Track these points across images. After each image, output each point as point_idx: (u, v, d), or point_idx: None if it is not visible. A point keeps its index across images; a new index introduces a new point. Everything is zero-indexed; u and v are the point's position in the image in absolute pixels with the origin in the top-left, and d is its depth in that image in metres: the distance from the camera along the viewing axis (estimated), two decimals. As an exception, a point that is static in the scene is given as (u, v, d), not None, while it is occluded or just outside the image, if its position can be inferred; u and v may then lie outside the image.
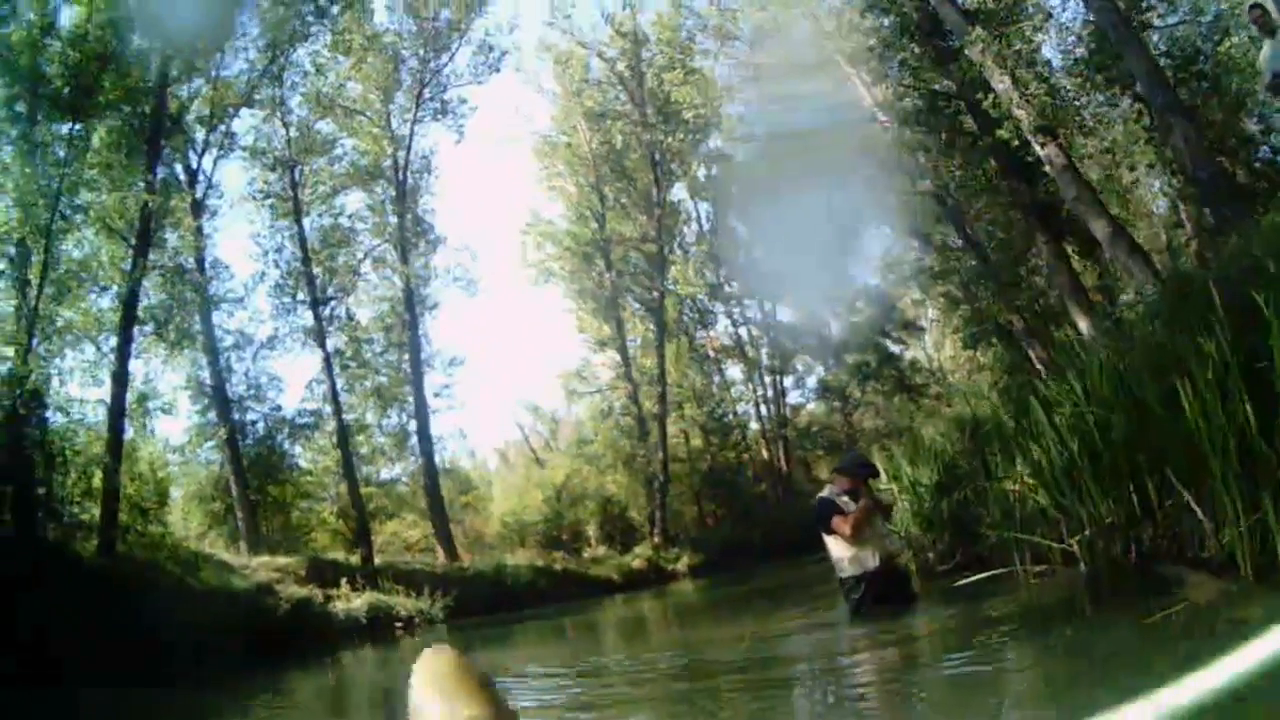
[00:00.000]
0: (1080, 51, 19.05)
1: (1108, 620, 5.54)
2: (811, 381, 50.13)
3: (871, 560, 8.02)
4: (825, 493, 8.53)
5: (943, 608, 8.12)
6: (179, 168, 28.12)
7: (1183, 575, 5.19)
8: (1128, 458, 6.02)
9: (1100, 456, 6.35)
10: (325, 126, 35.18)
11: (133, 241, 21.81)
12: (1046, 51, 19.50)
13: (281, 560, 24.11)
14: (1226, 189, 12.93)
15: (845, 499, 8.22)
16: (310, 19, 29.34)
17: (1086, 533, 6.52)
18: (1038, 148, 15.99)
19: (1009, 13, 17.18)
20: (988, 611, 7.08)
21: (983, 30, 16.20)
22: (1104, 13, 13.85)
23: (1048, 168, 16.31)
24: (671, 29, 39.78)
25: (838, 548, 8.15)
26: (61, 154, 20.60)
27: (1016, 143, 17.05)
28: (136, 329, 22.26)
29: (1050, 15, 19.17)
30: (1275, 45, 10.48)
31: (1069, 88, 18.17)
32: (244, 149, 31.66)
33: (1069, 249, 20.40)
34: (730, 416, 47.41)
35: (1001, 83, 16.13)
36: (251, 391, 31.56)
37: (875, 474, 9.24)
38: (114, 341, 21.54)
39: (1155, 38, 18.89)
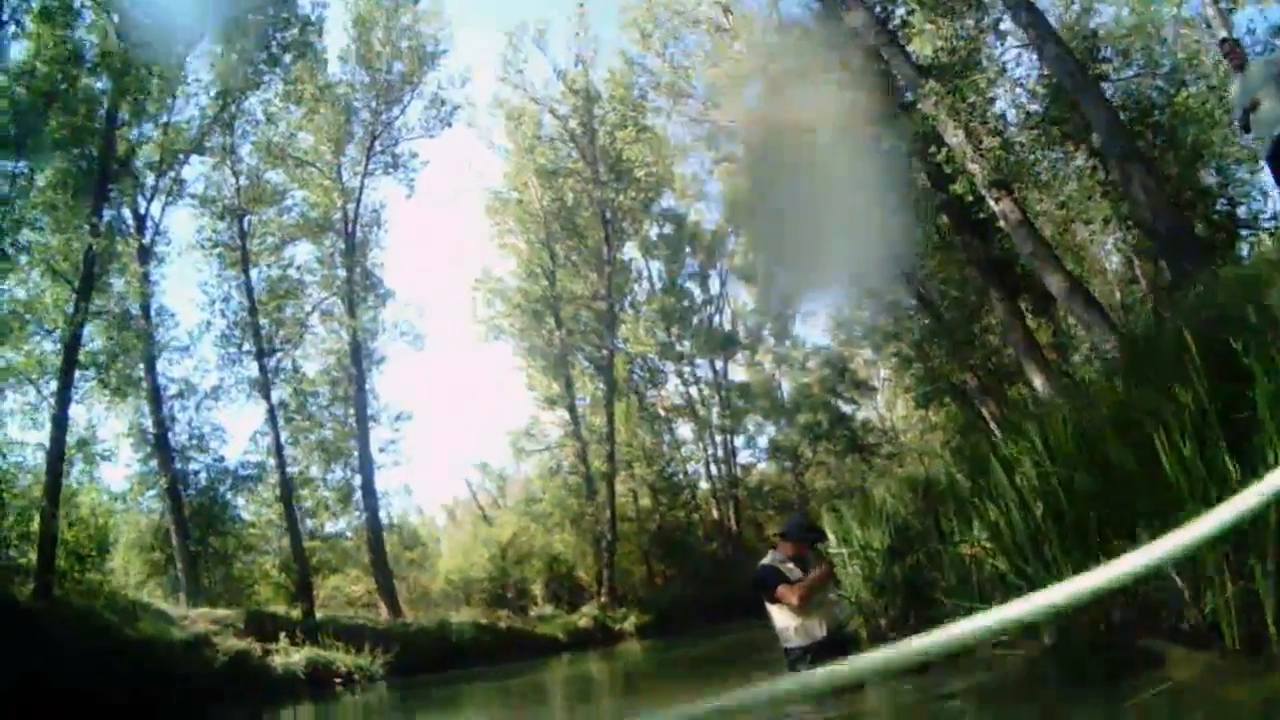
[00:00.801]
0: (1035, 106, 19.01)
1: (1079, 700, 5.05)
2: (763, 441, 50.08)
3: (819, 630, 7.48)
4: (768, 559, 7.95)
5: (896, 680, 7.62)
6: (127, 212, 27.78)
7: (1160, 649, 4.72)
8: (1095, 518, 5.58)
9: (1064, 517, 5.89)
10: (275, 176, 34.89)
11: (76, 285, 21.34)
12: (1000, 105, 19.46)
13: (220, 612, 23.64)
14: (1186, 241, 12.68)
15: (790, 565, 7.69)
16: (263, 67, 29.15)
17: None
18: (992, 203, 15.75)
19: (963, 65, 17.01)
20: (946, 687, 6.58)
21: (936, 83, 15.99)
22: (1061, 60, 13.63)
23: (1002, 223, 16.05)
24: (624, 86, 39.61)
25: (783, 617, 7.60)
26: (5, 190, 20.16)
27: (970, 198, 16.85)
28: (78, 373, 21.83)
29: (1004, 70, 19.08)
30: (1247, 80, 10.28)
31: (1024, 141, 18.02)
32: (193, 196, 31.30)
33: (1023, 306, 20.22)
34: (680, 476, 47.16)
35: (955, 137, 15.92)
36: (194, 441, 31.01)
37: (822, 538, 8.80)
38: (55, 385, 21.20)
39: (1110, 90, 18.82)
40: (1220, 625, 4.40)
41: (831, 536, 11.90)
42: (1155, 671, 4.48)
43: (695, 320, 48.69)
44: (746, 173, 32.37)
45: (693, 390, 49.30)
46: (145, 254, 27.68)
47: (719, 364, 49.06)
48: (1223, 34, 17.35)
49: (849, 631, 8.73)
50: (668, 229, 48.01)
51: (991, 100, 18.38)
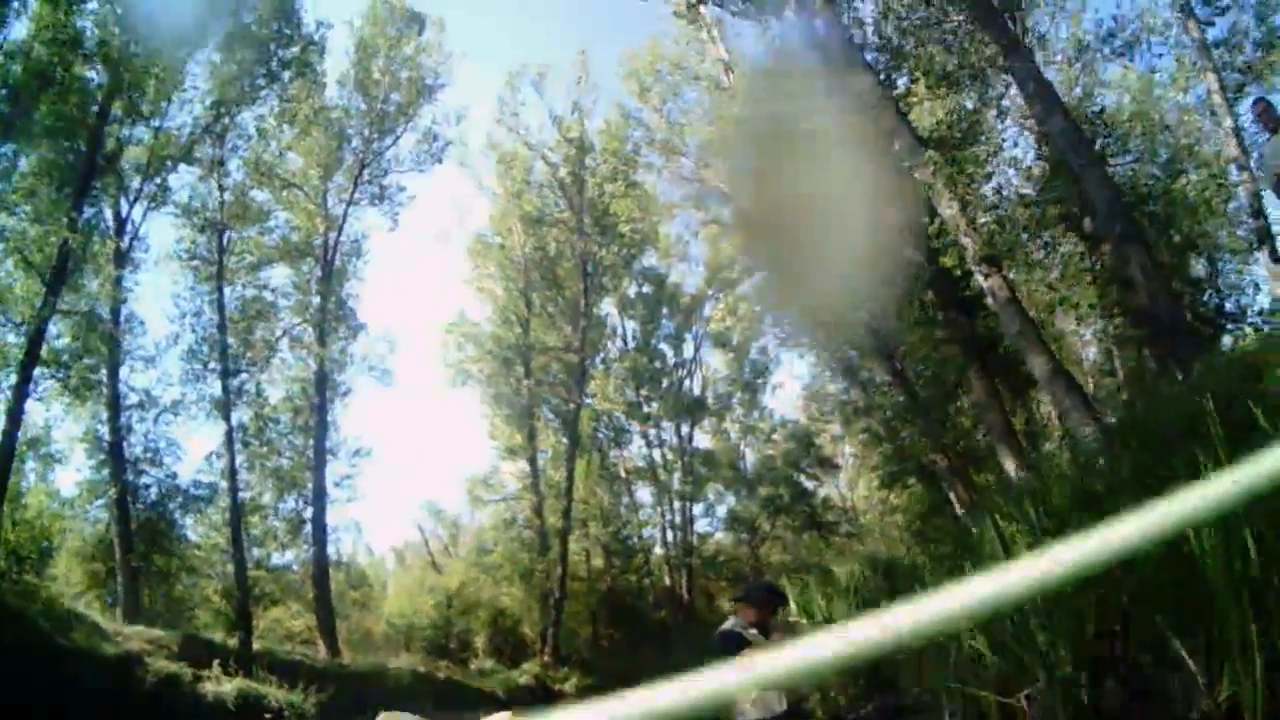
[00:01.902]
0: (1028, 190, 18.87)
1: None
2: (721, 510, 49.39)
3: (778, 704, 6.81)
4: (729, 624, 7.35)
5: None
6: (108, 213, 27.49)
7: None
8: (1096, 595, 5.07)
9: (1055, 594, 5.37)
10: (261, 195, 34.44)
11: (47, 278, 20.89)
12: (997, 182, 19.31)
13: (155, 632, 23.07)
14: (1182, 327, 12.36)
15: (753, 632, 7.06)
16: (261, 82, 28.87)
17: (1039, 684, 5.46)
18: (981, 279, 15.42)
19: (963, 138, 16.79)
20: None
21: (935, 153, 15.74)
22: (1066, 134, 13.31)
23: (990, 300, 15.72)
24: (618, 139, 39.55)
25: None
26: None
27: (959, 273, 16.57)
28: (39, 370, 21.27)
29: (1001, 147, 18.92)
30: (1277, 143, 9.97)
31: (1019, 217, 17.78)
32: (176, 205, 30.77)
33: (999, 388, 19.92)
34: (635, 539, 46.44)
35: (949, 209, 15.63)
36: (149, 454, 30.15)
37: (784, 602, 8.20)
38: (14, 379, 20.76)
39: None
40: (1242, 712, 3.89)
41: (793, 606, 11.41)
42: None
43: (665, 382, 48.29)
44: (736, 234, 32.19)
45: (656, 453, 48.74)
46: (121, 257, 27.17)
47: (685, 429, 48.54)
48: (1228, 122, 17.32)
49: (806, 708, 8.13)
50: (647, 288, 47.72)
51: (989, 175, 18.20)
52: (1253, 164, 19.46)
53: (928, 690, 7.08)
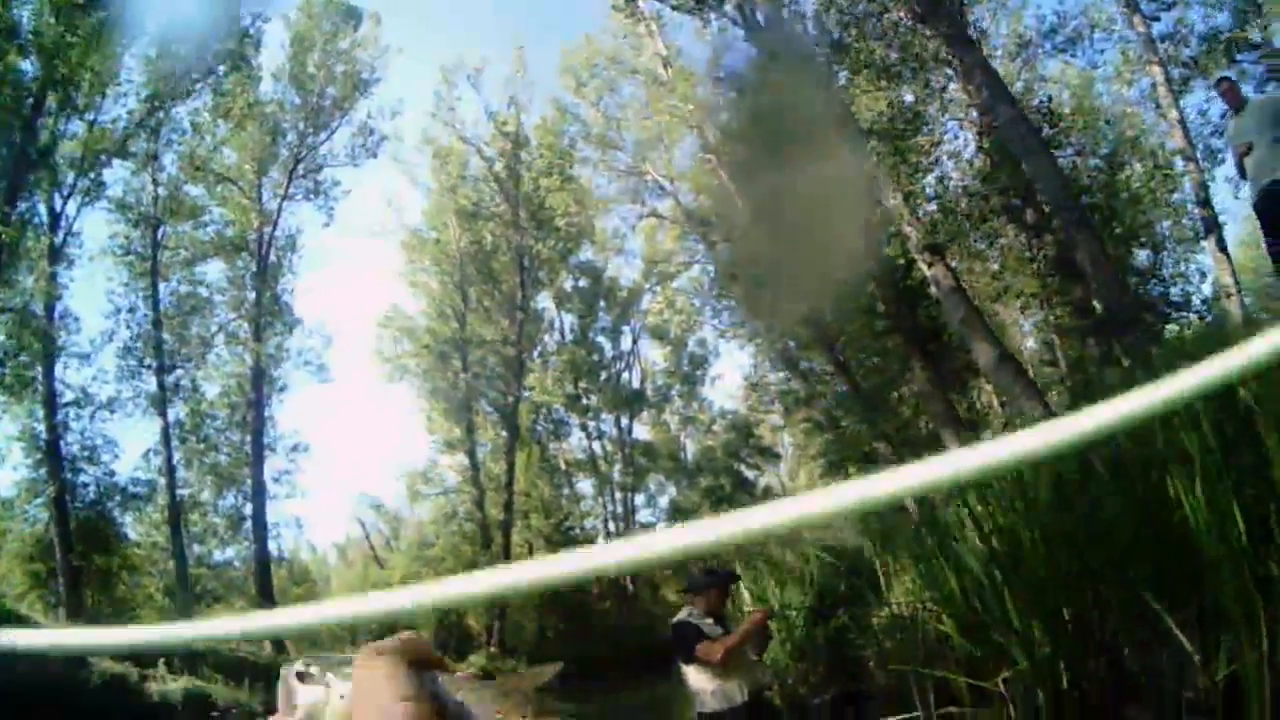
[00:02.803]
0: (971, 181, 19.06)
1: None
2: (663, 502, 49.49)
3: (739, 694, 6.61)
4: (684, 614, 7.10)
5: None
6: (42, 208, 26.94)
7: None
8: (1077, 569, 5.07)
9: (1031, 569, 5.35)
10: (195, 190, 34.09)
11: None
12: (939, 172, 19.51)
13: (96, 632, 22.33)
14: (1129, 313, 12.55)
15: (709, 622, 6.87)
16: (195, 76, 28.44)
17: (1020, 665, 5.35)
18: (924, 267, 15.58)
19: (907, 128, 16.94)
20: None
21: (878, 143, 15.88)
22: (1014, 123, 13.42)
23: (933, 289, 15.87)
24: (554, 134, 39.46)
25: (699, 678, 6.75)
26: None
27: (901, 262, 16.72)
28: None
29: (943, 139, 19.11)
30: (1242, 121, 10.10)
31: (962, 207, 17.98)
32: (110, 200, 30.51)
33: (943, 377, 20.14)
34: (578, 531, 46.30)
35: (893, 198, 15.78)
36: (86, 452, 29.83)
37: (733, 579, 7.96)
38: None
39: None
40: (1246, 693, 3.88)
41: (747, 595, 11.40)
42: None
43: (604, 375, 48.20)
44: (675, 227, 32.18)
45: (596, 445, 48.72)
46: (56, 253, 26.79)
47: (624, 420, 48.54)
48: (1173, 114, 17.64)
49: (768, 696, 8.05)
50: (584, 282, 47.63)
51: (933, 164, 18.38)
52: (1199, 154, 19.89)
53: (894, 675, 7.08)
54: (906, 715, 6.62)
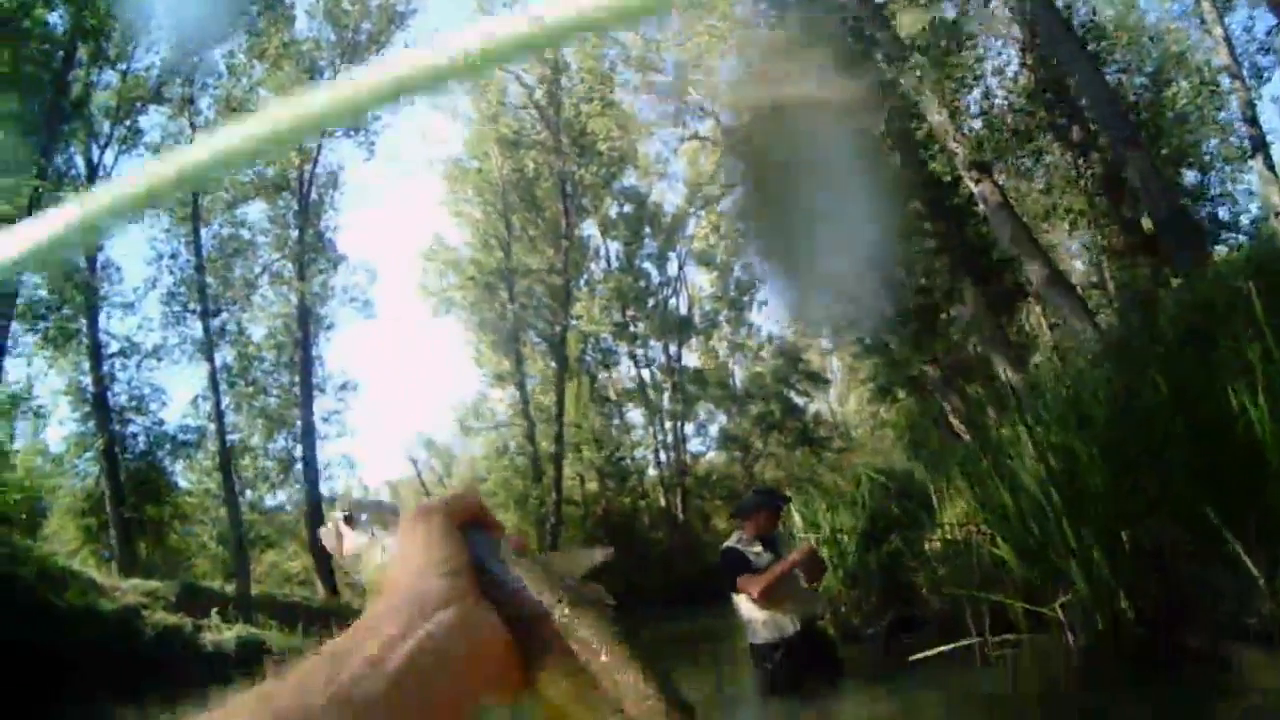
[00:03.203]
0: (1013, 95, 18.60)
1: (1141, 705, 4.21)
2: (713, 430, 49.41)
3: (790, 625, 6.52)
4: (732, 540, 6.93)
5: (880, 685, 6.74)
6: (79, 159, 27.03)
7: (1223, 650, 3.95)
8: (1135, 488, 4.80)
9: (1089, 489, 5.08)
10: (233, 132, 33.59)
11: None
12: (984, 86, 19.03)
13: (152, 584, 22.75)
14: (1186, 225, 12.15)
15: (758, 549, 6.71)
16: (228, 20, 28.18)
17: (1079, 589, 5.11)
18: (971, 184, 15.18)
19: (952, 41, 16.45)
20: (955, 690, 5.74)
21: (922, 57, 15.41)
22: (1059, 37, 12.97)
23: (980, 206, 15.47)
24: (593, 58, 38.99)
25: (749, 608, 6.64)
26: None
27: (949, 178, 16.32)
28: (15, 324, 20.94)
29: (984, 56, 18.58)
30: None
31: (1009, 122, 17.51)
32: (148, 147, 29.97)
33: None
34: (629, 461, 46.38)
35: (938, 115, 15.34)
36: (134, 403, 30.04)
37: (778, 503, 7.33)
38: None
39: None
40: None
41: (798, 519, 11.17)
42: (1226, 678, 3.75)
43: (651, 302, 47.98)
44: (716, 149, 31.80)
45: (645, 374, 48.56)
46: None
47: (673, 348, 48.32)
48: (1218, 30, 17.09)
49: (820, 626, 7.77)
50: (628, 208, 47.21)
51: (977, 78, 17.89)
52: (1244, 71, 19.32)
53: (948, 601, 6.86)
54: (962, 642, 6.41)
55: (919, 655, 6.23)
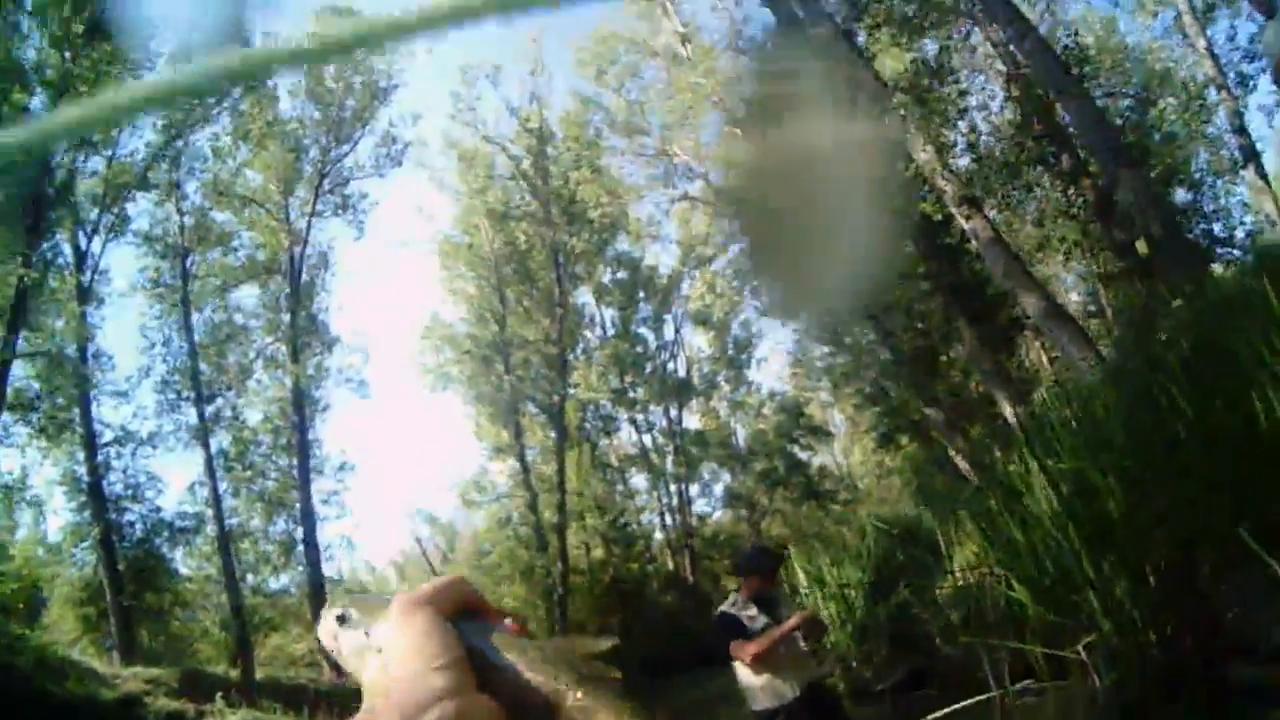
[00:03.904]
0: (1000, 129, 18.53)
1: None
2: (718, 489, 49.03)
3: (790, 691, 6.14)
4: (727, 604, 6.62)
5: None
6: (66, 247, 27.00)
7: (1274, 679, 3.55)
8: (1159, 513, 4.40)
9: (1106, 524, 4.69)
10: (221, 216, 34.11)
11: (6, 318, 20.51)
12: (969, 121, 18.95)
13: (154, 671, 22.36)
14: (1181, 245, 11.88)
15: (753, 611, 6.39)
16: (211, 102, 28.32)
17: (1103, 629, 4.65)
18: (962, 221, 14.94)
19: (932, 79, 16.32)
20: None
21: (905, 95, 15.26)
22: (1041, 56, 12.75)
23: (973, 241, 15.24)
24: (579, 125, 39.09)
25: (746, 674, 6.23)
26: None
27: (939, 218, 16.12)
28: (6, 415, 20.79)
29: (968, 91, 18.47)
30: (1277, 26, 9.45)
31: (997, 153, 17.38)
32: (136, 233, 30.56)
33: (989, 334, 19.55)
34: (634, 526, 45.98)
35: (924, 152, 15.14)
36: (130, 491, 29.67)
37: (773, 562, 6.87)
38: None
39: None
40: None
41: (802, 576, 10.81)
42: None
43: (649, 366, 47.80)
44: (708, 207, 31.75)
45: (646, 438, 48.31)
46: (84, 292, 26.83)
47: (673, 411, 48.06)
48: (1201, 43, 16.99)
49: (829, 684, 7.36)
50: (622, 273, 47.21)
51: (962, 113, 17.77)
52: (1230, 81, 19.27)
53: (963, 650, 6.47)
54: (983, 695, 6.02)
55: (934, 717, 5.85)
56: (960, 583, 7.17)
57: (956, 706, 5.84)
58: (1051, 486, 5.22)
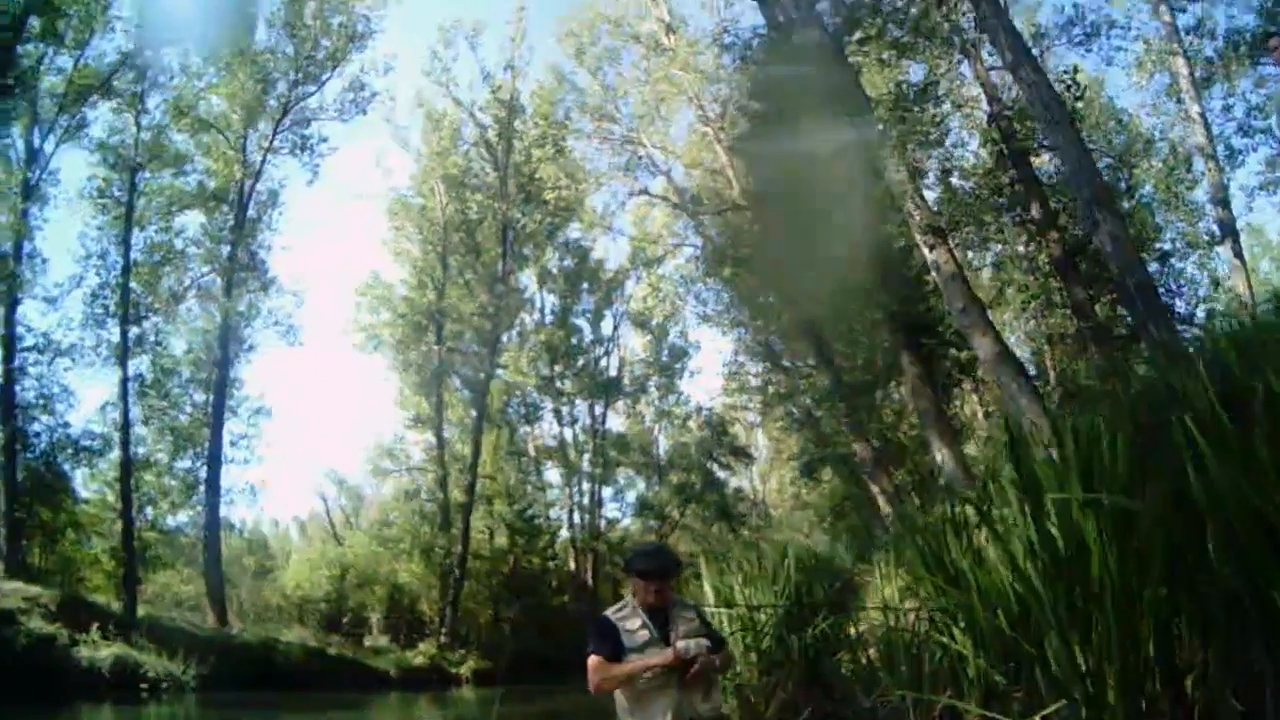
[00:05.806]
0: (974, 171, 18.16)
1: None
2: (631, 496, 48.69)
3: None
4: (615, 608, 5.27)
5: None
6: (20, 141, 26.89)
7: None
8: (1133, 576, 3.70)
9: (1079, 564, 3.95)
10: (179, 137, 33.16)
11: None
12: (947, 147, 18.57)
13: (34, 590, 22.10)
14: (1154, 299, 11.36)
15: (638, 623, 5.05)
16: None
17: (1072, 698, 3.91)
18: (925, 251, 14.33)
19: (917, 97, 15.76)
20: None
21: (885, 111, 14.67)
22: (1036, 86, 12.12)
23: (933, 273, 14.63)
24: (550, 102, 38.34)
25: (619, 699, 4.99)
26: None
27: (901, 243, 15.59)
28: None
29: (949, 114, 18.04)
30: None
31: (969, 186, 16.94)
32: (92, 140, 29.90)
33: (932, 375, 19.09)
34: (542, 519, 45.43)
35: (897, 173, 14.56)
36: (41, 401, 28.90)
37: (672, 571, 5.38)
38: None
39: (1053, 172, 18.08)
40: None
41: (710, 593, 9.98)
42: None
43: (581, 360, 47.37)
44: (666, 206, 31.26)
45: (567, 432, 48.09)
46: (29, 189, 26.56)
47: (599, 409, 47.64)
48: (1195, 109, 16.67)
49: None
50: (569, 261, 46.86)
51: (943, 136, 17.31)
52: (1219, 153, 19.04)
53: (886, 700, 5.67)
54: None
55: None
56: (890, 621, 6.38)
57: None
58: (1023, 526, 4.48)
